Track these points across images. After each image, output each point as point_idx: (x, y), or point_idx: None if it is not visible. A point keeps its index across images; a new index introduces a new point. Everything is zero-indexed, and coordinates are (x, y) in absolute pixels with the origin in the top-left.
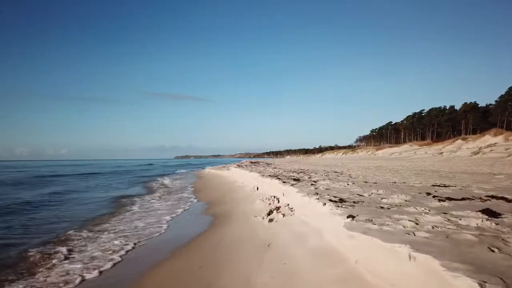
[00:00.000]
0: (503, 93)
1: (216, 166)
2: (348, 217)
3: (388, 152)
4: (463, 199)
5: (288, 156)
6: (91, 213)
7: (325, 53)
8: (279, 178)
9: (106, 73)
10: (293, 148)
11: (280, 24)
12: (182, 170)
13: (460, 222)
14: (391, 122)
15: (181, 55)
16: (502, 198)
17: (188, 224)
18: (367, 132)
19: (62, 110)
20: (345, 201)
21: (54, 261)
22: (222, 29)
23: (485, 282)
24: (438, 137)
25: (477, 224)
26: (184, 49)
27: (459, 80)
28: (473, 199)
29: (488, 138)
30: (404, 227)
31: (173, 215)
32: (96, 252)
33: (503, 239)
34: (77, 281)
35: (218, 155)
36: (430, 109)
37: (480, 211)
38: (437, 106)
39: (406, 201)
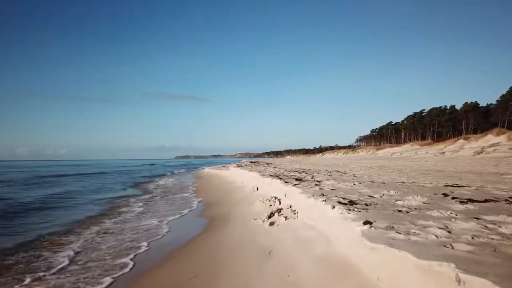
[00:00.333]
0: (504, 92)
1: (215, 166)
2: (364, 223)
3: (389, 152)
4: (486, 201)
5: (288, 156)
6: (89, 213)
7: (325, 53)
8: (280, 178)
9: (106, 73)
10: (293, 148)
11: (280, 24)
12: (182, 170)
13: (501, 230)
14: (392, 122)
15: (181, 55)
16: None
17: (183, 228)
18: (367, 132)
19: (62, 110)
20: (355, 204)
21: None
22: (222, 29)
23: None
24: (439, 137)
25: None
26: (184, 49)
27: (460, 79)
28: (497, 200)
29: (490, 138)
30: (436, 237)
31: (170, 218)
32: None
33: None
34: None
35: (218, 155)
36: (430, 109)
37: None
38: (438, 106)
39: (424, 203)
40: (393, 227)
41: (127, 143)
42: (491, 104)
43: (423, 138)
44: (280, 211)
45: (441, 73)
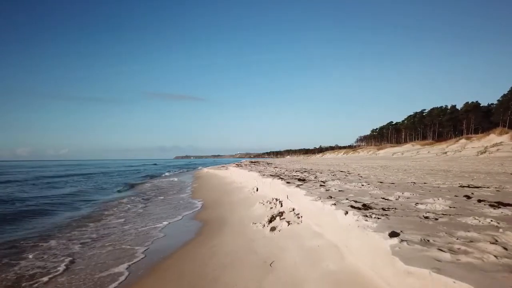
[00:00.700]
0: (505, 92)
1: (215, 166)
2: (391, 235)
3: (390, 152)
4: None
5: (288, 156)
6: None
7: (326, 53)
8: (281, 178)
9: (106, 73)
10: (293, 148)
11: (280, 24)
12: (182, 170)
13: None
14: (392, 122)
15: (182, 55)
16: None
17: (175, 233)
18: (368, 132)
19: (62, 110)
20: (370, 208)
21: None
22: (222, 29)
23: None
24: (440, 137)
25: None
26: (184, 49)
27: (461, 79)
28: None
29: (493, 137)
30: (495, 257)
31: (163, 223)
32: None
33: None
34: None
35: (219, 155)
36: (431, 109)
37: None
38: (439, 105)
39: (450, 207)
40: (428, 240)
41: (127, 143)
42: (492, 103)
43: (424, 138)
44: (281, 215)
45: (441, 73)
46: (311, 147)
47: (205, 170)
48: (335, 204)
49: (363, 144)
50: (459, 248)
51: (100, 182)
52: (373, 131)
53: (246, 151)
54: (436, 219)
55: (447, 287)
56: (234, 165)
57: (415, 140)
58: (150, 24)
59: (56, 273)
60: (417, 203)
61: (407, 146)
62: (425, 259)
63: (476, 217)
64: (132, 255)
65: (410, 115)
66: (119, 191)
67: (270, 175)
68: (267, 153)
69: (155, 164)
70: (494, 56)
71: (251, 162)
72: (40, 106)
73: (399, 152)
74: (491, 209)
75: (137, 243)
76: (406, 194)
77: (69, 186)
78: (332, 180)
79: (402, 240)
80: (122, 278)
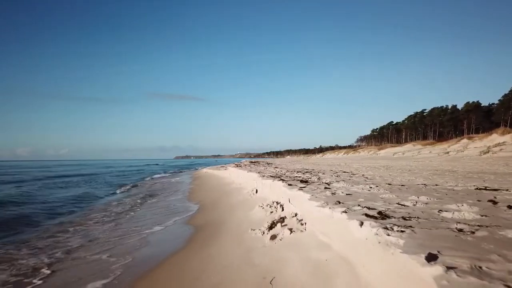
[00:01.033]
0: (506, 92)
1: (214, 166)
2: (429, 259)
3: (390, 151)
4: None
5: (288, 156)
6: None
7: (326, 53)
8: (282, 180)
9: (107, 73)
10: (293, 148)
11: (280, 24)
12: (182, 170)
13: None
14: (392, 121)
15: (182, 55)
16: None
17: (163, 242)
18: (368, 132)
19: (62, 110)
20: (388, 216)
21: None
22: (222, 29)
23: None
24: (440, 137)
25: None
26: (185, 49)
27: (461, 79)
28: None
29: (495, 137)
30: None
31: (157, 227)
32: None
33: None
34: None
35: (219, 155)
36: (432, 109)
37: None
38: (439, 105)
39: (482, 216)
40: (481, 267)
41: (127, 143)
42: (493, 103)
43: (424, 138)
44: (283, 221)
45: (442, 73)
46: (311, 147)
47: (204, 170)
48: (346, 212)
49: (364, 144)
50: None
51: (100, 182)
52: (373, 131)
53: (246, 151)
54: (473, 232)
55: None
56: (233, 165)
57: (415, 140)
58: (150, 24)
59: None
60: (440, 210)
61: (408, 146)
62: None
63: None
64: (107, 269)
65: (411, 115)
66: (113, 193)
67: (271, 176)
68: (267, 153)
69: (156, 164)
70: (494, 56)
71: (251, 162)
72: (40, 106)
73: (400, 152)
74: None
75: (118, 254)
76: (422, 198)
77: (60, 188)
78: (336, 181)
79: (448, 268)
80: None
